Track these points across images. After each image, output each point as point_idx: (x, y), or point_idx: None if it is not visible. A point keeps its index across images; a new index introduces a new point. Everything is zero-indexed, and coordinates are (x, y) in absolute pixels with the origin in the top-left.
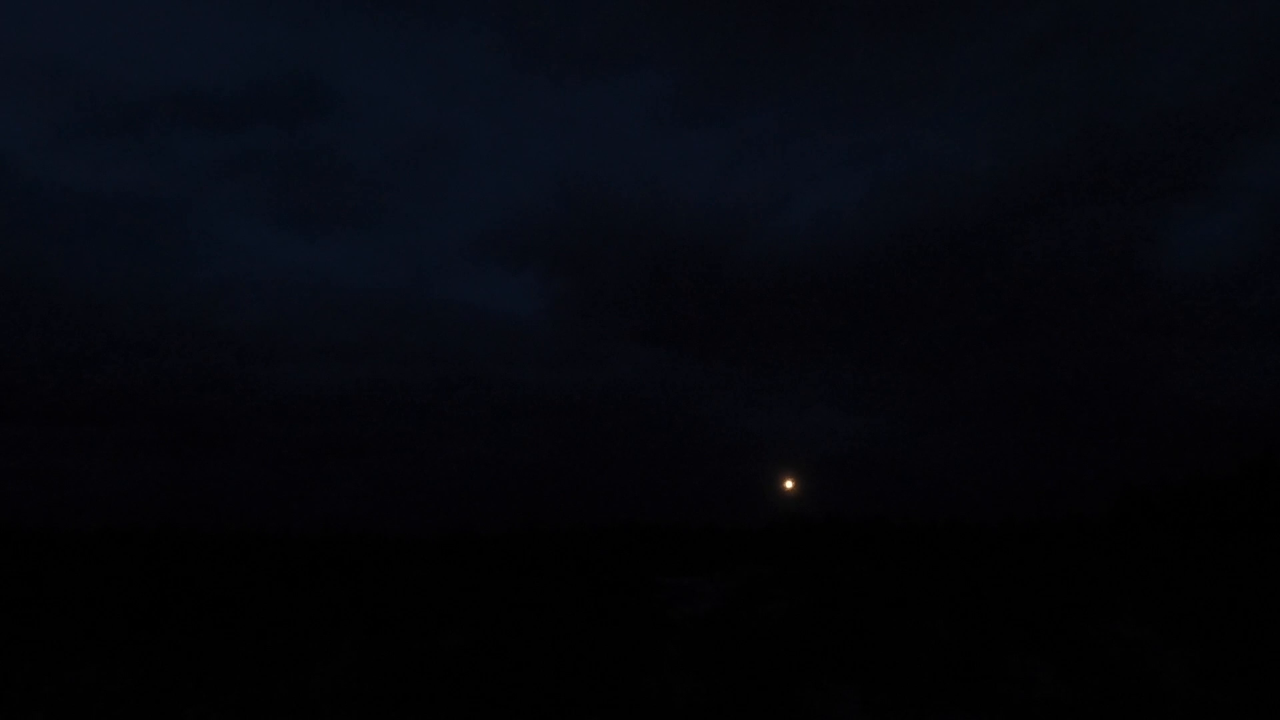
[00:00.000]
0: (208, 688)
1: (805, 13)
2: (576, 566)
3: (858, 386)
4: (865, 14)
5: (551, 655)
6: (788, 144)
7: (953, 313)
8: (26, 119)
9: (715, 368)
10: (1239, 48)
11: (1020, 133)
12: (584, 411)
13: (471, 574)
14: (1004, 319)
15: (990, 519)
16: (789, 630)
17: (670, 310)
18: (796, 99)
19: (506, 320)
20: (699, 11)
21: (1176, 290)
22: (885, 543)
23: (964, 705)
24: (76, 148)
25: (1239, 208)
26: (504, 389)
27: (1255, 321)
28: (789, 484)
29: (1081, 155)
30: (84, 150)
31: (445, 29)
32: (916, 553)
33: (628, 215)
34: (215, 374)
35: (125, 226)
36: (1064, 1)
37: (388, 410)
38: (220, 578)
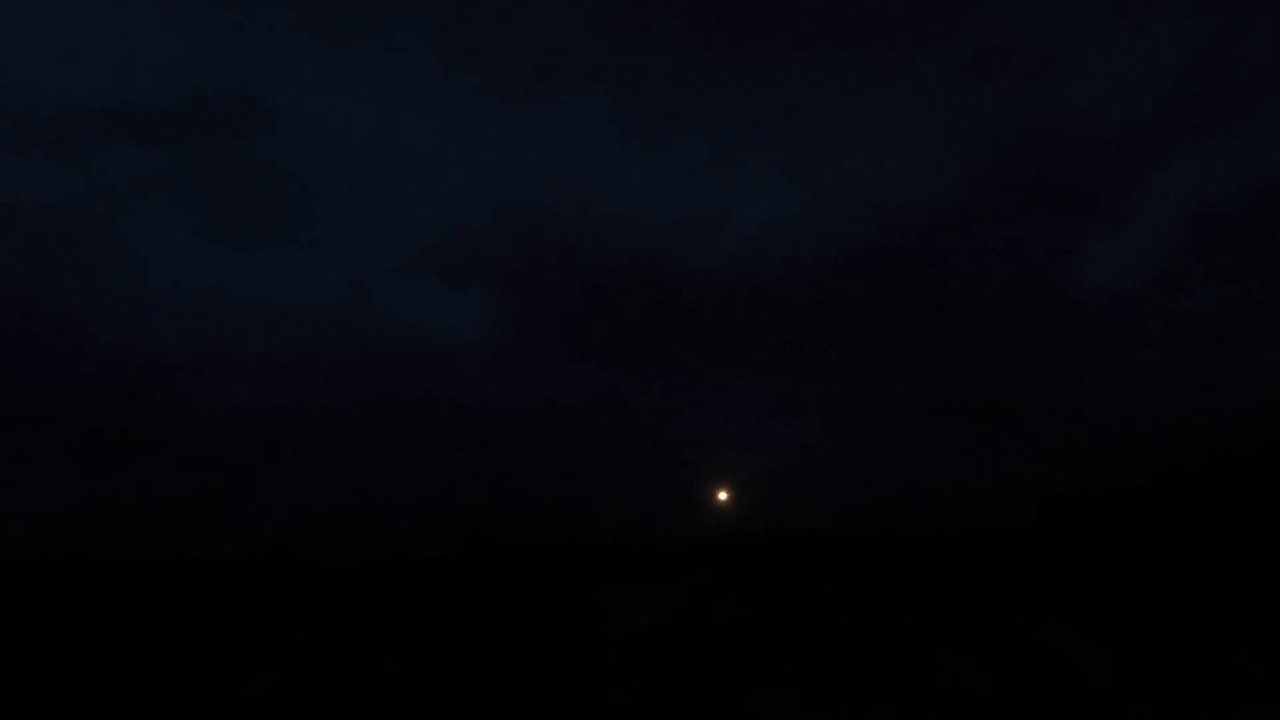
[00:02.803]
0: (137, 710)
1: (744, 35)
2: (519, 581)
3: (796, 398)
4: (801, 37)
5: (493, 668)
6: (727, 163)
7: (886, 325)
8: None
9: (657, 383)
10: (1151, 77)
11: (949, 153)
12: (526, 428)
13: (413, 590)
14: (934, 331)
15: (921, 524)
16: (729, 636)
17: (612, 326)
18: (736, 119)
19: (447, 337)
20: (641, 33)
21: (1094, 304)
22: (824, 550)
23: (902, 707)
24: (1, 158)
25: (1151, 227)
26: (445, 406)
27: (1166, 333)
28: (723, 495)
29: (1004, 175)
30: (6, 161)
31: (387, 45)
32: (854, 559)
33: (570, 233)
34: (144, 390)
35: (51, 241)
36: (989, 30)
37: (325, 428)
38: (146, 597)
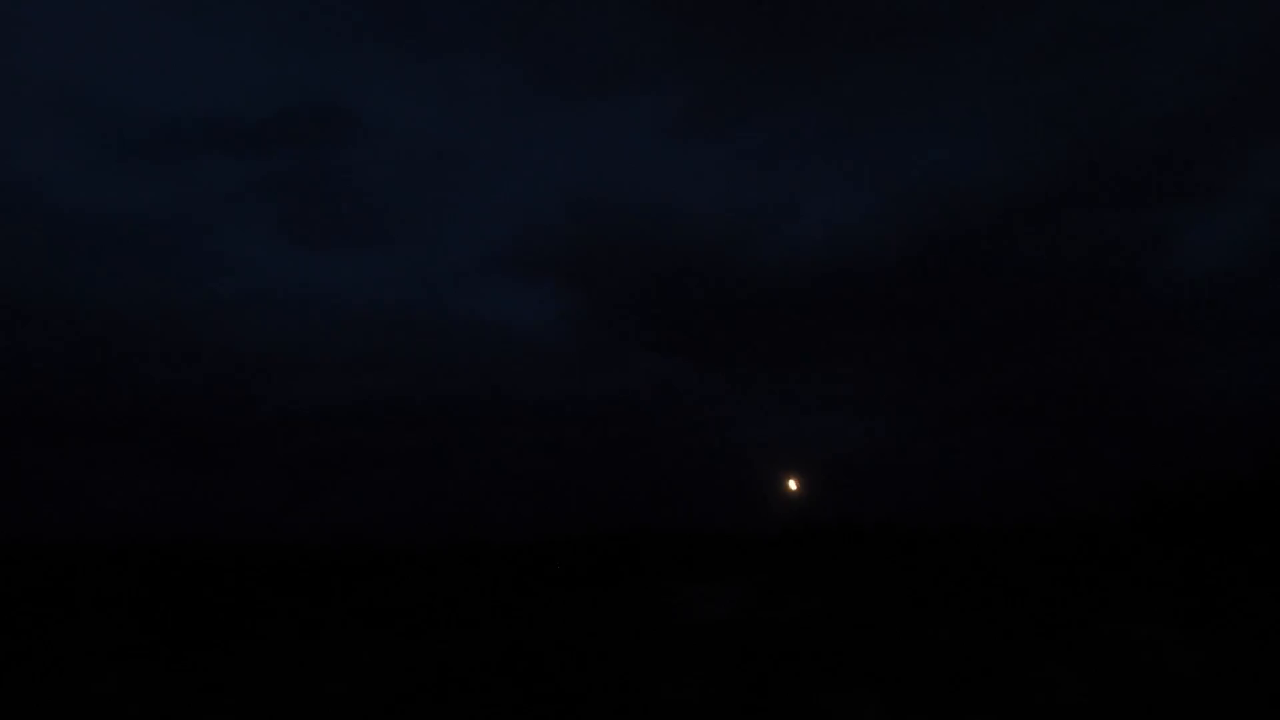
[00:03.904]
0: (226, 696)
1: (810, 26)
2: (590, 574)
3: (867, 392)
4: (870, 26)
5: (565, 661)
6: (795, 156)
7: (961, 318)
8: (53, 146)
9: (725, 376)
10: (1242, 52)
11: (1024, 140)
12: (595, 421)
13: (485, 582)
14: (1011, 323)
15: (1003, 521)
16: (803, 635)
17: (680, 321)
18: (803, 111)
19: (519, 333)
20: (706, 28)
21: (1182, 293)
22: (899, 546)
23: (983, 708)
24: (101, 173)
25: (1244, 212)
26: (517, 400)
27: (1255, 323)
28: (793, 484)
29: (1086, 162)
30: (108, 175)
31: (459, 52)
32: (931, 556)
33: (638, 228)
34: (231, 388)
35: (147, 248)
36: (1066, 9)
37: (402, 423)
38: (236, 589)
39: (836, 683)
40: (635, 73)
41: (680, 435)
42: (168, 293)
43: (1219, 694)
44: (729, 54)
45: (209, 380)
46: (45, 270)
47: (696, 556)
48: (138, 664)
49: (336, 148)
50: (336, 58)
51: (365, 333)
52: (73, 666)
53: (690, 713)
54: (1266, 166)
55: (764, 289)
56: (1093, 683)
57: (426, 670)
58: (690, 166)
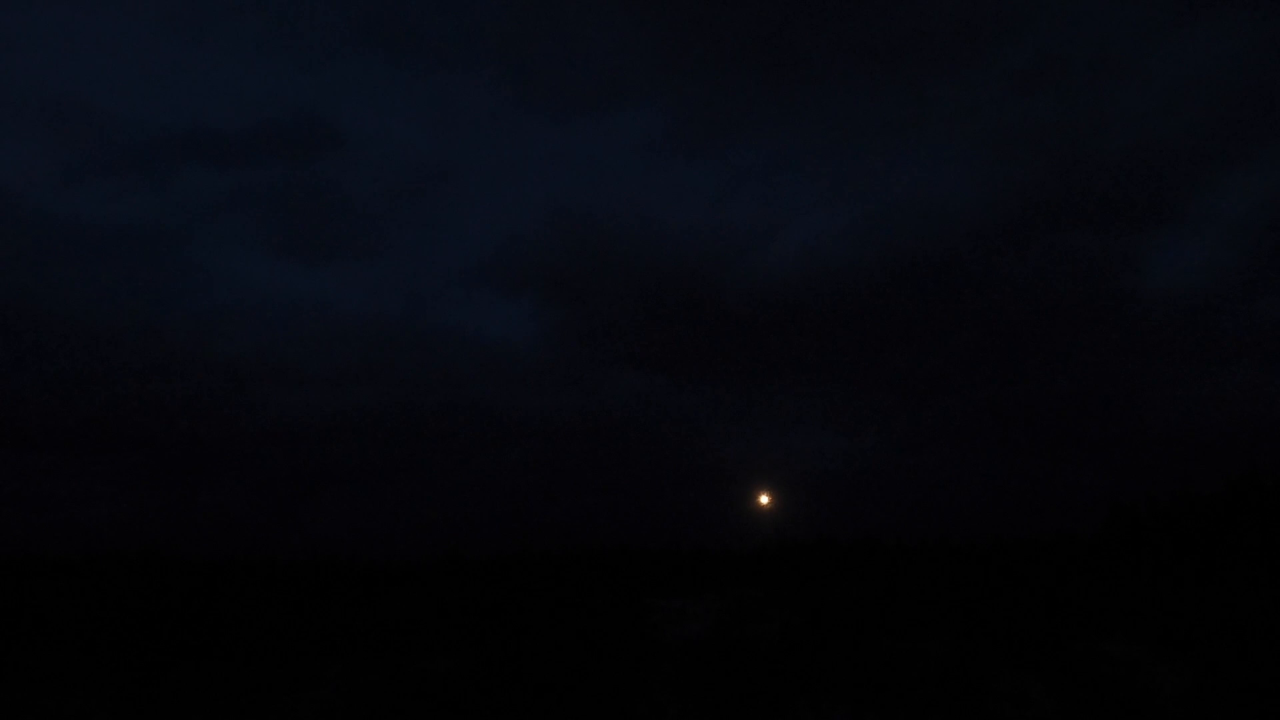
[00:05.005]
0: (208, 712)
1: (792, 49)
2: (567, 590)
3: (846, 408)
4: (850, 50)
5: (543, 678)
6: (776, 176)
7: (938, 337)
8: (36, 155)
9: (706, 392)
10: (1210, 82)
11: (1001, 164)
12: (576, 436)
13: (462, 597)
14: (987, 342)
15: (980, 537)
16: (780, 650)
17: (662, 336)
18: (784, 133)
19: (500, 347)
20: (690, 50)
21: (1154, 312)
22: (876, 562)
23: None
24: (84, 183)
25: (1211, 234)
26: (497, 414)
27: (1234, 342)
28: (773, 500)
29: (1061, 185)
30: (91, 185)
31: (444, 68)
32: (907, 571)
33: (620, 245)
34: (212, 400)
35: (129, 259)
36: (1043, 38)
37: (382, 435)
38: (212, 603)
39: (814, 699)
40: (620, 90)
41: (661, 450)
42: (148, 303)
43: (1198, 714)
44: (714, 73)
45: (189, 393)
46: (26, 280)
47: (675, 572)
48: (118, 679)
49: (321, 160)
50: (322, 70)
51: (348, 346)
52: (52, 681)
53: None
54: (1236, 191)
55: (746, 306)
56: (1071, 702)
57: (404, 685)
58: (674, 184)
